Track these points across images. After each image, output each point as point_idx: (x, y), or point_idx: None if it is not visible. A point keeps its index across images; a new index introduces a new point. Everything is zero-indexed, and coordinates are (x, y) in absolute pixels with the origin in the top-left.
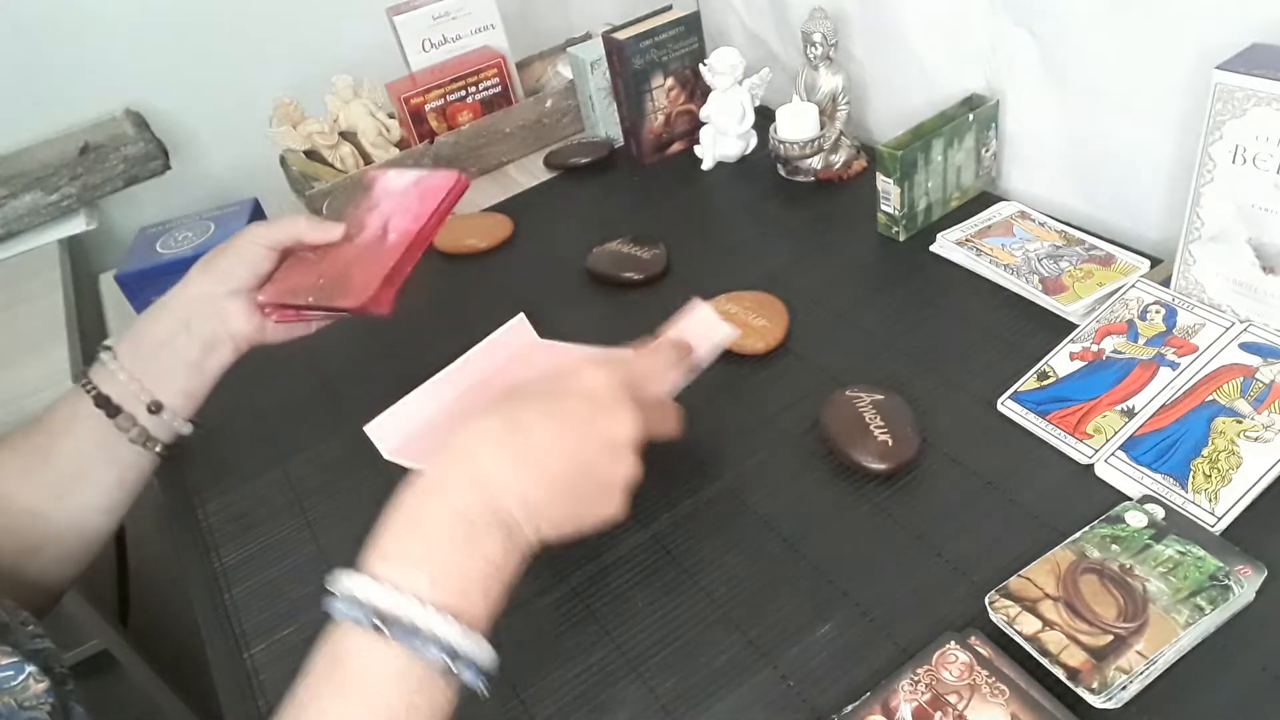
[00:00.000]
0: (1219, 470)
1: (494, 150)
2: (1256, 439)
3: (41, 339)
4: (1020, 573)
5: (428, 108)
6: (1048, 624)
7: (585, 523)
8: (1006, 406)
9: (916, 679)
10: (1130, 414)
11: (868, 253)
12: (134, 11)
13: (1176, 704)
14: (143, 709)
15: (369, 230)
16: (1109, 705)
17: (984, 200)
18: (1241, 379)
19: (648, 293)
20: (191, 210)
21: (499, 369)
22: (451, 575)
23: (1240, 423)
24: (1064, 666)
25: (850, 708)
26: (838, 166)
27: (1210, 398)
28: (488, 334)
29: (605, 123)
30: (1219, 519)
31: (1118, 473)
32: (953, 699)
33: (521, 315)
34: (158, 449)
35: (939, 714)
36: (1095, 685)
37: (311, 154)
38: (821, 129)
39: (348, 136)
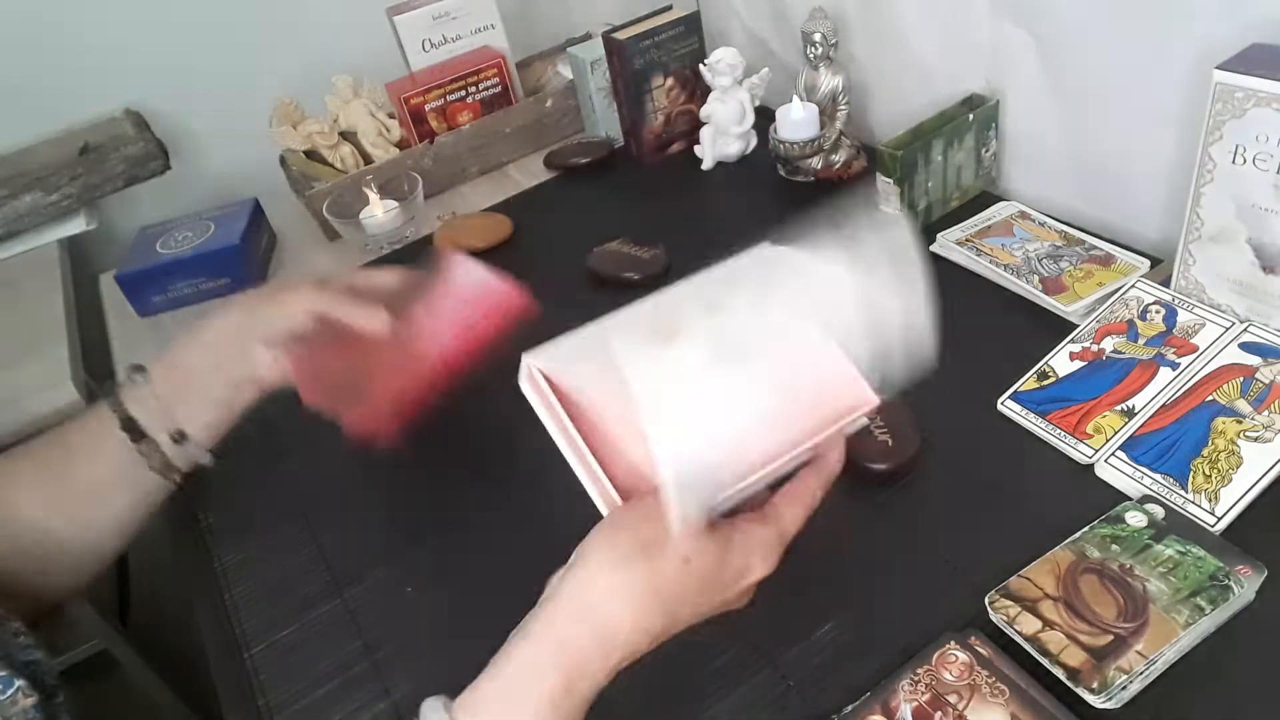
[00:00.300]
0: (1219, 470)
1: (494, 150)
2: (1256, 439)
3: (41, 339)
4: (1020, 573)
5: (428, 108)
6: (1048, 624)
7: None
8: (1006, 406)
9: (916, 679)
10: (1130, 414)
11: None
12: (134, 11)
13: (1176, 704)
14: (143, 709)
15: (415, 331)
16: (1109, 705)
17: (984, 200)
18: (1241, 379)
19: (648, 293)
20: (191, 210)
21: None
22: None
23: (1240, 423)
24: (1064, 666)
25: (850, 708)
26: (838, 166)
27: (1210, 398)
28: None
29: (605, 123)
30: (1219, 519)
31: (1118, 473)
32: (953, 699)
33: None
34: (176, 478)
35: (939, 714)
36: (1095, 685)
37: (311, 154)
38: (821, 129)
39: (348, 136)
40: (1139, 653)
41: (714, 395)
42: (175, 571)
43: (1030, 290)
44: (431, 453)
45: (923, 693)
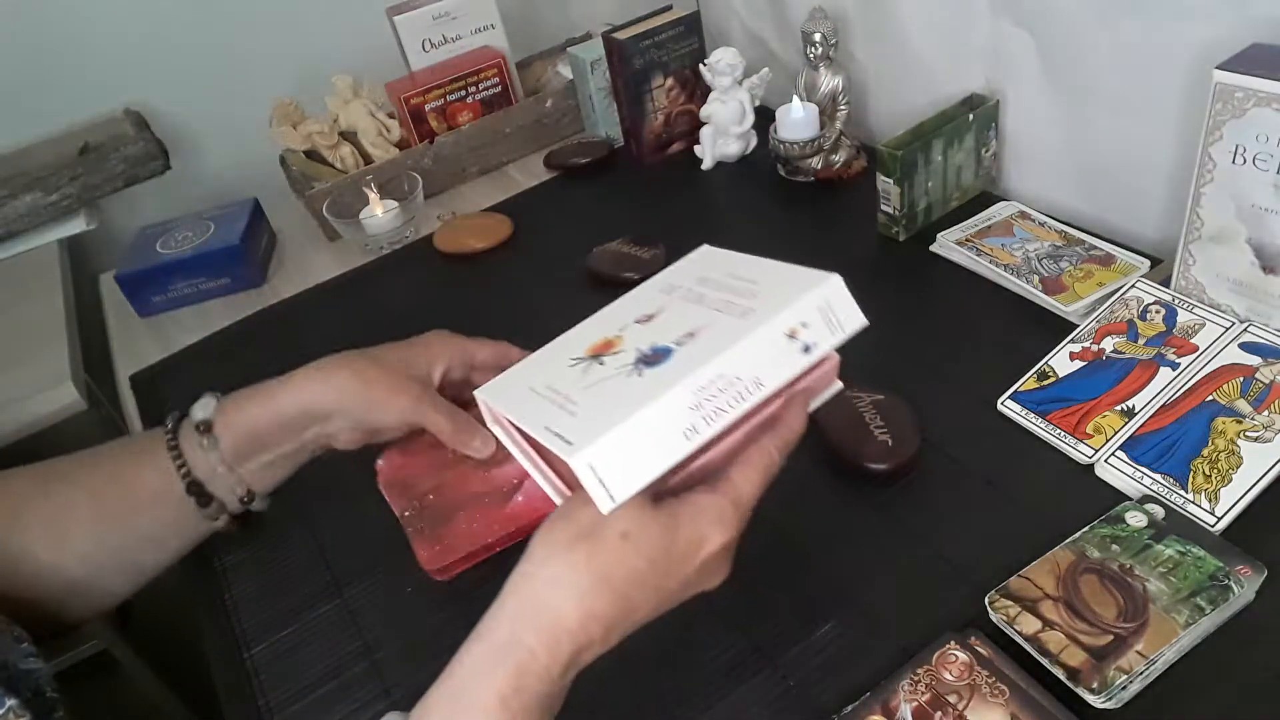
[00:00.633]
0: (1219, 470)
1: (494, 150)
2: (1256, 439)
3: (41, 339)
4: (1020, 573)
5: (428, 108)
6: (1048, 624)
7: None
8: (1006, 406)
9: (916, 679)
10: (1130, 414)
11: (868, 253)
12: (134, 11)
13: (1176, 704)
14: (143, 709)
15: (511, 466)
16: (1109, 705)
17: (984, 200)
18: (1241, 379)
19: None
20: (191, 210)
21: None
22: None
23: (1240, 423)
24: (1064, 666)
25: (850, 708)
26: (838, 166)
27: (1210, 398)
28: (487, 334)
29: (605, 123)
30: (1219, 519)
31: (1118, 473)
32: (953, 699)
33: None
34: (234, 527)
35: (939, 714)
36: (1095, 685)
37: (311, 154)
38: (821, 129)
39: (348, 136)
40: (1139, 653)
41: (633, 387)
42: (175, 572)
43: (1030, 290)
44: None
45: (923, 693)
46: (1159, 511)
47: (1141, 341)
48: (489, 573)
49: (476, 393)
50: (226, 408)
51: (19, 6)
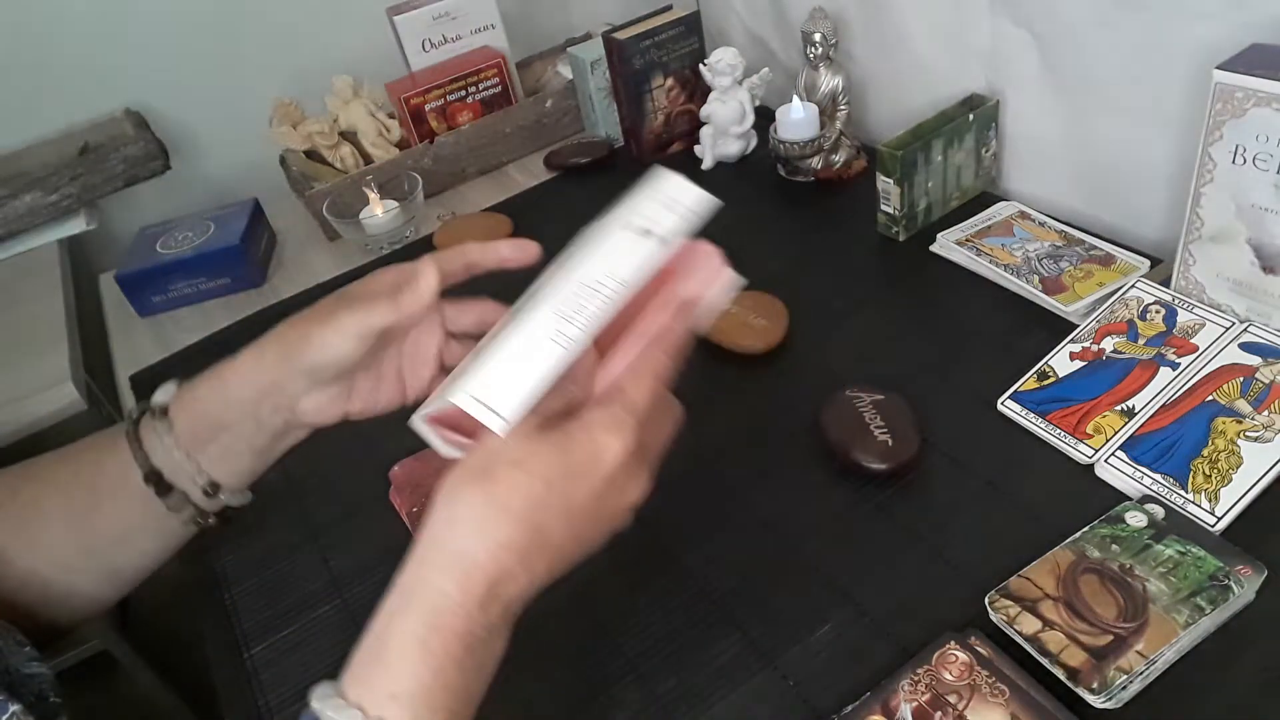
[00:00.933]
0: (1219, 470)
1: (494, 150)
2: (1256, 439)
3: (41, 339)
4: (1020, 573)
5: (428, 108)
6: (1048, 624)
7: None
8: (1006, 406)
9: (916, 679)
10: (1130, 414)
11: (868, 253)
12: (134, 11)
13: (1176, 704)
14: (143, 709)
15: None
16: (1109, 705)
17: (984, 200)
18: (1241, 379)
19: None
20: (191, 210)
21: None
22: (431, 700)
23: (1240, 423)
24: (1064, 666)
25: (850, 708)
26: (838, 166)
27: (1210, 398)
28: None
29: (605, 123)
30: (1219, 519)
31: (1118, 473)
32: (953, 699)
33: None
34: (210, 522)
35: (939, 714)
36: (1095, 685)
37: (311, 154)
38: (821, 129)
39: (348, 136)
40: (1139, 653)
41: (505, 330)
42: (175, 572)
43: (1030, 290)
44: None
45: (923, 693)
46: (1159, 511)
47: (1141, 341)
48: None
49: (411, 422)
50: (182, 392)
51: (20, 6)
